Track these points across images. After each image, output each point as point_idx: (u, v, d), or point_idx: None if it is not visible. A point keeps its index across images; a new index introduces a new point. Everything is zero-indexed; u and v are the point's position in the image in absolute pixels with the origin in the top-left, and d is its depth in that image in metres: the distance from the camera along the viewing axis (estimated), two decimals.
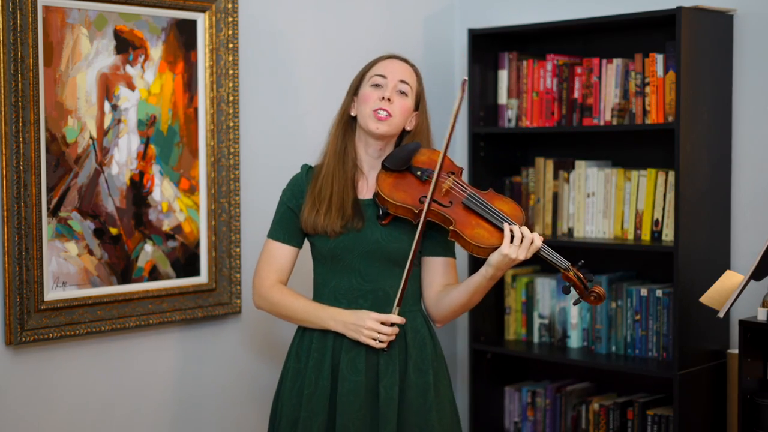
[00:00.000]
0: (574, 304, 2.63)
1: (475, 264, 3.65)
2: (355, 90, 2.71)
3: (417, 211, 2.58)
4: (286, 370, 2.74)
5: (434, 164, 2.65)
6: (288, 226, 2.72)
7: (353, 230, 2.64)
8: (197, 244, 3.21)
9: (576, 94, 3.57)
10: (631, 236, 3.48)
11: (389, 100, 2.63)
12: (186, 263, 3.19)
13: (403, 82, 2.67)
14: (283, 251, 2.73)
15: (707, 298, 2.85)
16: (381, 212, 2.65)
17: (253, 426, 3.40)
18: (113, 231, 3.01)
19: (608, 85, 3.48)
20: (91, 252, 2.97)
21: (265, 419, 3.41)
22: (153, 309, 3.10)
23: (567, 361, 3.58)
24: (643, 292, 3.45)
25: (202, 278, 3.23)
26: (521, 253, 2.52)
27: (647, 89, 3.37)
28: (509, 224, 2.54)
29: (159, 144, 3.10)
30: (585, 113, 3.54)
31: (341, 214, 2.63)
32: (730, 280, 2.83)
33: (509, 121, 3.75)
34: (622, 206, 3.49)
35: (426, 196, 2.57)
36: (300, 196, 2.72)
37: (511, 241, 2.52)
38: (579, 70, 3.57)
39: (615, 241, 3.48)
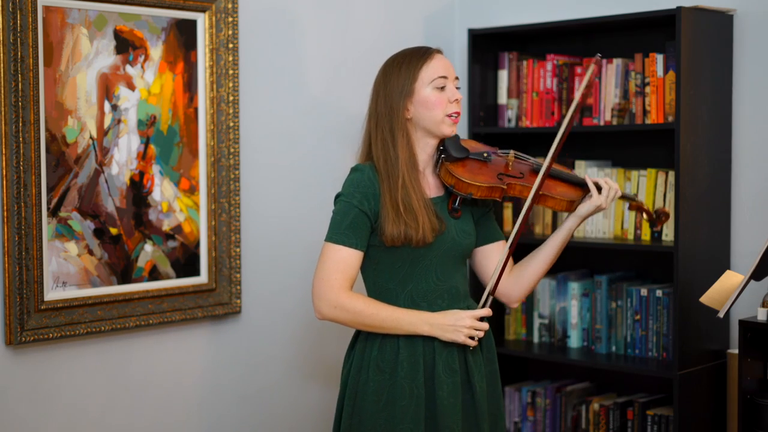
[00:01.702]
0: (652, 227, 2.99)
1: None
2: (408, 91, 2.57)
3: (505, 187, 2.62)
4: (365, 383, 2.58)
5: (478, 148, 2.70)
6: (361, 230, 2.54)
7: (440, 234, 2.58)
8: (197, 244, 3.21)
9: (576, 94, 3.56)
10: (631, 236, 3.48)
11: (458, 101, 2.61)
12: (186, 263, 3.19)
13: (456, 78, 2.64)
14: (355, 258, 2.55)
15: (707, 298, 2.85)
16: (457, 203, 2.62)
17: (253, 426, 3.40)
18: (113, 231, 3.01)
19: (608, 85, 3.48)
20: (91, 252, 2.97)
21: (264, 419, 3.42)
22: (153, 309, 3.10)
23: (567, 361, 3.58)
24: (643, 292, 3.44)
25: (202, 278, 3.23)
26: (608, 202, 2.68)
27: (647, 89, 3.37)
28: (590, 178, 2.72)
29: (159, 144, 3.10)
30: (585, 113, 3.54)
31: (431, 225, 2.55)
32: (730, 280, 2.83)
33: (509, 121, 3.75)
34: (622, 206, 3.49)
35: (503, 174, 2.65)
36: (373, 199, 2.55)
37: (599, 192, 2.67)
38: (579, 70, 3.57)
39: (615, 241, 3.48)
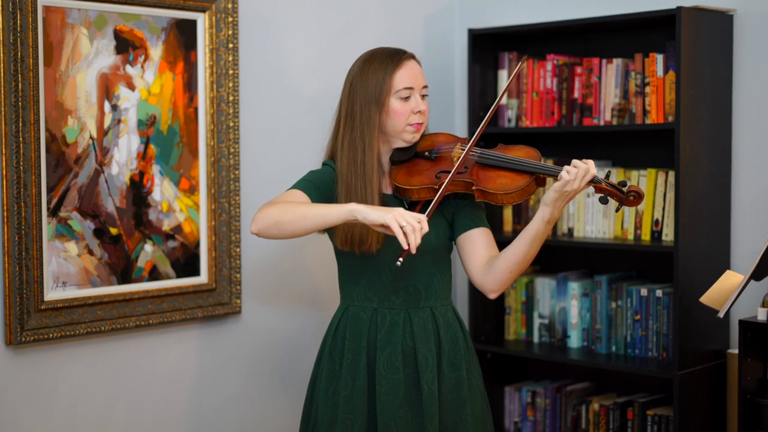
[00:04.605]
0: (617, 210, 2.61)
1: None
2: (376, 99, 2.60)
3: (437, 187, 2.58)
4: (320, 372, 2.70)
5: (438, 144, 2.69)
6: (319, 188, 2.61)
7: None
8: (197, 244, 3.21)
9: (576, 94, 3.57)
10: (631, 236, 3.47)
11: (421, 112, 2.64)
12: (186, 263, 3.19)
13: (424, 86, 2.67)
14: (300, 197, 2.58)
15: (707, 298, 2.85)
16: (406, 204, 2.65)
17: (252, 425, 3.40)
18: (113, 231, 3.01)
19: (608, 85, 3.48)
20: (91, 252, 2.97)
21: (264, 419, 3.42)
22: (153, 309, 3.10)
23: (567, 361, 3.58)
24: (643, 292, 3.44)
25: (202, 278, 3.23)
26: (575, 183, 2.46)
27: (647, 89, 3.37)
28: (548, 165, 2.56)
29: (159, 144, 3.10)
30: (585, 113, 3.54)
31: (377, 236, 2.57)
32: (730, 280, 2.83)
33: (509, 121, 3.75)
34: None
35: (443, 171, 2.59)
36: (324, 195, 2.63)
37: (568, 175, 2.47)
38: (579, 70, 3.57)
39: (615, 241, 3.48)
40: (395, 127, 2.63)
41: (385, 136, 2.66)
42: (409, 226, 2.35)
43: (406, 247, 2.36)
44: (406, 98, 2.62)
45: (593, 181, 2.52)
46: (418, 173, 2.64)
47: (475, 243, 2.66)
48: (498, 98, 2.68)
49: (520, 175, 2.58)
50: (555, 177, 2.52)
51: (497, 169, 2.60)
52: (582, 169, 2.47)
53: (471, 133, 3.75)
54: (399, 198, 2.67)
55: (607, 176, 2.60)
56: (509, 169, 2.59)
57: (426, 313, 2.65)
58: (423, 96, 2.66)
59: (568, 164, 2.51)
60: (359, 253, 2.60)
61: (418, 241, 2.35)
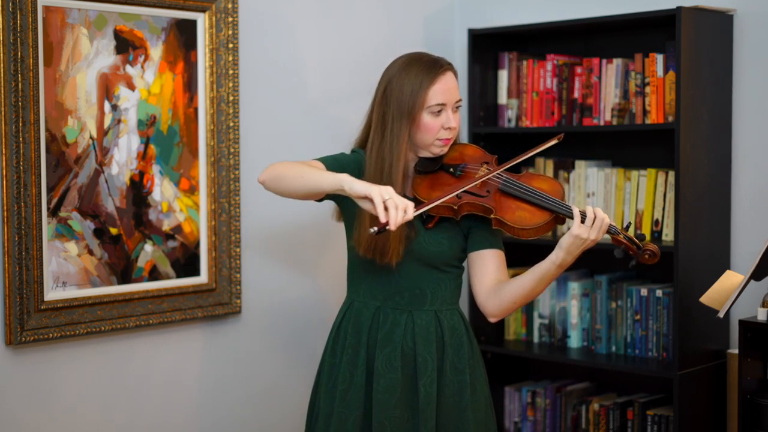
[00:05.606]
0: (630, 267, 2.59)
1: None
2: (408, 113, 2.57)
3: (456, 207, 2.56)
4: (323, 365, 2.73)
5: (465, 158, 2.66)
6: (345, 167, 2.59)
7: (407, 240, 2.60)
8: (197, 244, 3.21)
9: (576, 94, 3.57)
10: None
11: (451, 128, 2.61)
12: (186, 263, 3.19)
13: (458, 100, 2.63)
14: (317, 164, 2.59)
15: (707, 298, 2.85)
16: (425, 216, 2.60)
17: (253, 426, 3.40)
18: (113, 231, 3.02)
19: (608, 85, 3.48)
20: (91, 252, 2.97)
21: (264, 419, 3.42)
22: (153, 309, 3.10)
23: (567, 361, 3.58)
24: (643, 292, 3.45)
25: (202, 278, 3.23)
26: (593, 233, 2.48)
27: (647, 89, 3.37)
28: (574, 207, 2.53)
29: (159, 144, 3.11)
30: (585, 113, 3.54)
31: (398, 250, 2.57)
32: (730, 280, 2.83)
33: (509, 121, 3.75)
34: (622, 206, 3.49)
35: (465, 191, 2.55)
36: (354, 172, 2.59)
37: (583, 222, 2.48)
38: (579, 70, 3.57)
39: None
40: (424, 141, 2.61)
41: (415, 146, 2.64)
42: (392, 202, 2.32)
43: (383, 220, 2.31)
44: (438, 112, 2.59)
45: (611, 232, 2.52)
46: (440, 188, 2.60)
47: (485, 264, 2.65)
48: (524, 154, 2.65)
49: (540, 211, 2.56)
50: (574, 218, 2.50)
51: (518, 200, 2.57)
52: (598, 219, 2.48)
53: (472, 133, 3.75)
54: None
55: (626, 228, 2.58)
56: (530, 203, 2.57)
57: (430, 315, 2.64)
58: (457, 108, 2.63)
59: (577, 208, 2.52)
60: (380, 265, 2.60)
61: (400, 220, 2.31)
